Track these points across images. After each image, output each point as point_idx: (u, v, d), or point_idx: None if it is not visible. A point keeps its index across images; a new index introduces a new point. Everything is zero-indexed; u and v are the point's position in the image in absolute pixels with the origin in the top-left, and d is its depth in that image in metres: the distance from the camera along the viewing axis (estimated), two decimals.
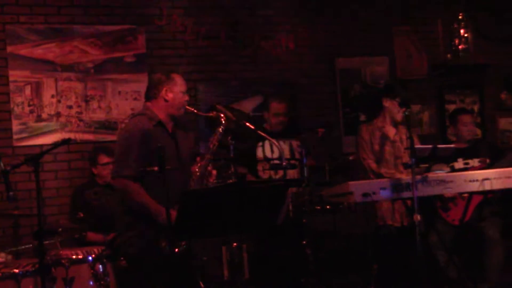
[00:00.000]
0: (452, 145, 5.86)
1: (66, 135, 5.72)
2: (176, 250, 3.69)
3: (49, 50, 5.84)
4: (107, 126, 5.98)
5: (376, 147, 5.12)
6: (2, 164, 3.87)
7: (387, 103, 5.17)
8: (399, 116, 5.12)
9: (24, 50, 5.76)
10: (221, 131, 4.11)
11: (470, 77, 7.35)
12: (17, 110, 5.72)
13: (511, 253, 5.59)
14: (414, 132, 5.09)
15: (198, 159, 4.17)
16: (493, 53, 7.32)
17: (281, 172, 5.38)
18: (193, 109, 4.31)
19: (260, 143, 5.48)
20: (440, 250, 5.48)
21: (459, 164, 5.65)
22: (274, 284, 4.95)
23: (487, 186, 4.31)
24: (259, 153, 5.50)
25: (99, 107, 5.99)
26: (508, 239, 5.58)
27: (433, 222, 5.58)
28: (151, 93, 4.14)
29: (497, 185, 4.32)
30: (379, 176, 4.97)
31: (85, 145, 5.81)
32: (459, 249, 5.42)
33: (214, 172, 4.20)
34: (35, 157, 3.93)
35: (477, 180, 4.30)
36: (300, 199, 5.06)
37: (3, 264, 4.13)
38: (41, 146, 5.60)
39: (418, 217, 4.11)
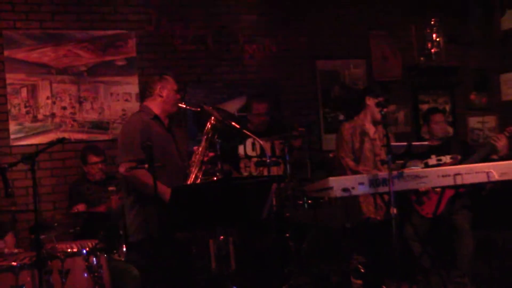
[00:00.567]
0: (425, 143, 5.89)
1: (60, 135, 5.71)
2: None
3: (44, 54, 5.83)
4: (100, 126, 5.98)
5: (357, 144, 5.12)
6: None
7: (369, 101, 5.17)
8: (379, 116, 5.13)
9: (20, 54, 5.74)
10: (212, 124, 4.22)
11: (442, 78, 7.40)
12: (14, 111, 5.71)
13: (480, 243, 5.62)
14: (390, 131, 5.11)
15: (195, 148, 4.31)
16: (463, 56, 7.37)
17: (261, 169, 5.37)
18: (185, 105, 4.44)
19: (242, 142, 5.47)
20: (415, 241, 5.50)
21: (433, 160, 5.67)
22: (259, 274, 4.94)
23: (459, 181, 4.32)
24: (241, 151, 5.49)
25: (92, 108, 5.98)
26: (477, 230, 5.62)
27: (408, 215, 5.61)
28: (146, 93, 4.38)
29: (467, 179, 4.33)
30: (357, 173, 4.98)
31: (79, 144, 5.78)
32: (433, 240, 5.44)
33: (212, 154, 4.28)
34: (31, 156, 3.94)
35: (449, 175, 4.31)
36: (283, 194, 5.06)
37: (1, 257, 4.10)
38: (37, 145, 5.59)
39: (394, 210, 4.12)
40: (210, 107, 4.40)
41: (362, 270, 5.13)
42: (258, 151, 5.40)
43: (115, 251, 4.57)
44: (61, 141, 4.22)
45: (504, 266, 5.49)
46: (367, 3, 7.00)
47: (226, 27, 6.46)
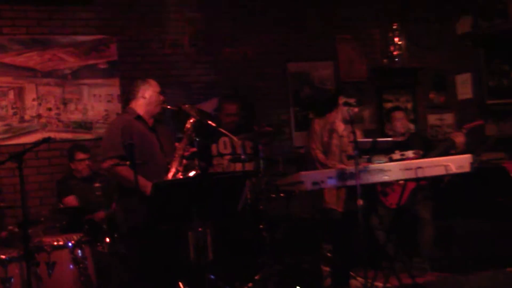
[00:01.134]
0: (389, 139, 5.92)
1: (46, 134, 5.59)
2: None
3: (30, 59, 5.77)
4: (84, 126, 5.93)
5: (325, 139, 5.15)
6: None
7: (342, 101, 5.19)
8: (350, 114, 5.15)
9: (7, 59, 5.69)
10: (192, 122, 4.24)
11: (404, 79, 7.46)
12: (1, 112, 5.66)
13: (440, 231, 5.68)
14: (357, 128, 5.16)
15: (176, 144, 4.34)
16: (423, 58, 7.43)
17: (232, 166, 5.36)
18: (168, 106, 4.45)
19: (215, 140, 5.45)
20: (380, 231, 5.54)
21: (396, 155, 5.68)
22: (235, 263, 4.93)
23: (420, 173, 4.36)
24: (214, 149, 5.47)
25: (76, 109, 5.94)
26: (437, 219, 5.67)
27: (374, 206, 5.64)
28: (131, 95, 4.41)
29: (428, 172, 4.37)
30: (325, 166, 5.00)
31: (64, 143, 5.74)
32: (397, 229, 5.48)
33: (193, 149, 4.30)
34: (19, 155, 3.94)
35: (411, 169, 4.35)
36: (257, 188, 5.06)
37: None
38: (24, 144, 5.50)
39: (361, 201, 4.15)
40: (188, 107, 4.41)
41: (331, 258, 5.16)
42: (230, 149, 5.39)
43: (99, 244, 4.54)
44: (47, 140, 4.20)
45: (461, 252, 5.56)
46: (334, 10, 7.03)
47: (202, 32, 6.44)
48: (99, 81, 6.02)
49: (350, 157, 4.72)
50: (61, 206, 5.06)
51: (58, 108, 5.86)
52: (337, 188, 4.93)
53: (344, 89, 5.43)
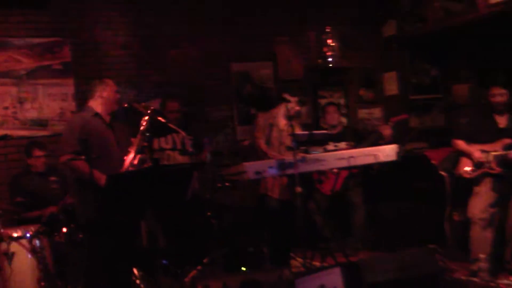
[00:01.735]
0: (324, 132, 6.01)
1: (3, 132, 5.52)
2: None
3: None
4: (39, 123, 5.78)
5: (267, 131, 5.19)
6: None
7: (287, 97, 5.23)
8: (292, 111, 5.19)
9: None
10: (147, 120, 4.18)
11: (336, 77, 7.53)
12: None
13: (370, 214, 5.79)
14: (297, 123, 5.22)
15: (132, 139, 4.28)
16: (354, 58, 7.52)
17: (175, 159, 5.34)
18: (126, 104, 4.43)
19: (157, 136, 5.39)
20: (317, 215, 5.61)
21: (330, 146, 5.77)
22: (185, 248, 4.92)
23: (352, 162, 4.43)
24: (156, 144, 5.41)
25: (32, 107, 5.78)
26: (368, 204, 5.78)
27: (311, 193, 5.70)
28: (89, 95, 4.39)
29: (359, 161, 4.45)
30: (266, 155, 5.04)
31: (21, 140, 5.58)
32: (332, 213, 5.56)
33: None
34: None
35: (344, 158, 4.42)
36: (204, 179, 5.05)
37: None
38: None
39: (299, 189, 4.20)
40: (140, 105, 4.39)
41: (273, 241, 5.19)
42: (171, 144, 5.35)
43: (56, 234, 4.45)
44: (4, 137, 4.11)
45: (389, 232, 5.68)
46: (273, 14, 7.05)
47: (151, 35, 6.37)
48: (54, 81, 5.88)
49: (289, 148, 4.77)
50: (19, 199, 4.94)
51: (14, 107, 5.69)
52: (274, 178, 4.96)
53: (289, 88, 5.47)
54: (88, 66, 6.02)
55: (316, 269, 4.06)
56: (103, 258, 4.05)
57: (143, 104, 4.42)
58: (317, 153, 4.65)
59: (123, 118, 4.68)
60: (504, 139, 4.78)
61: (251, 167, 4.19)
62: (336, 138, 5.84)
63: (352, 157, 4.41)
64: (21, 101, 5.72)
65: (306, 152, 4.74)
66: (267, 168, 4.20)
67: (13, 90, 5.70)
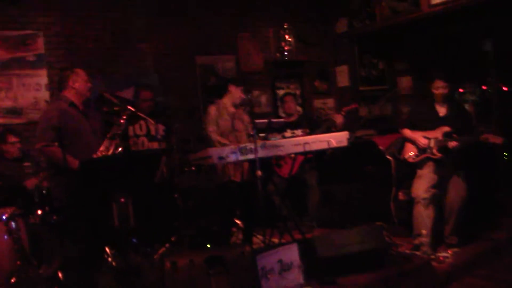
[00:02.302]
0: (282, 120, 6.03)
1: None
2: None
3: None
4: (14, 111, 5.63)
5: (221, 122, 5.14)
6: None
7: (232, 88, 5.20)
8: (238, 100, 5.17)
9: None
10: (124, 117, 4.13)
11: (293, 70, 7.56)
12: None
13: (324, 195, 5.84)
14: (244, 110, 5.21)
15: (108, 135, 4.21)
16: (309, 53, 7.57)
17: (148, 145, 5.27)
18: (109, 96, 4.37)
19: (132, 123, 5.30)
20: (276, 196, 5.63)
21: (288, 133, 5.81)
22: (154, 228, 4.87)
23: (307, 148, 4.43)
24: (130, 131, 5.33)
25: (7, 96, 5.62)
26: (322, 185, 5.83)
27: (270, 176, 5.71)
28: (62, 85, 4.28)
29: (314, 147, 4.45)
30: (223, 145, 5.00)
31: None
32: (289, 194, 5.58)
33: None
34: None
35: (300, 144, 4.41)
36: (171, 163, 4.99)
37: None
38: None
39: (259, 172, 4.19)
40: (110, 95, 4.33)
41: (236, 221, 5.19)
42: (145, 131, 5.28)
43: (31, 216, 4.34)
44: None
45: (341, 211, 5.74)
46: (236, 11, 7.01)
47: (121, 28, 6.24)
48: (28, 71, 5.72)
49: (249, 136, 4.76)
50: None
51: None
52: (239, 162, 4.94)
53: (234, 79, 5.43)
54: (61, 58, 5.87)
55: (275, 245, 4.07)
56: (77, 238, 3.98)
57: (111, 94, 4.35)
58: (275, 140, 4.64)
59: (96, 107, 4.60)
60: (444, 127, 4.87)
61: (215, 153, 4.15)
62: (293, 126, 5.87)
63: (307, 143, 4.41)
64: None
65: (266, 138, 4.74)
66: (230, 153, 4.18)
67: None
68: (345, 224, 4.80)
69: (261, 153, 4.22)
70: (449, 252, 4.68)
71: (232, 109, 5.23)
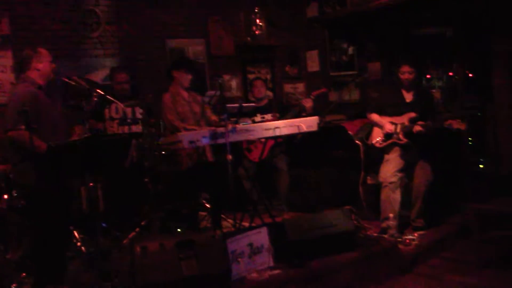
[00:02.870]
0: (252, 104, 6.03)
1: None
2: None
3: None
4: None
5: (179, 108, 5.06)
6: None
7: (176, 74, 5.12)
8: (186, 83, 5.12)
9: None
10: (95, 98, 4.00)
11: (264, 54, 7.55)
12: None
13: (294, 179, 5.89)
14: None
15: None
16: (280, 37, 7.56)
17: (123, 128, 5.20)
18: (66, 79, 4.24)
19: (107, 106, 5.24)
20: (246, 180, 5.66)
21: (258, 118, 5.81)
22: (124, 212, 4.84)
23: (277, 132, 4.46)
24: (106, 113, 5.26)
25: None
26: (292, 169, 5.87)
27: (241, 160, 5.73)
28: (25, 66, 4.02)
29: (284, 131, 4.48)
30: (186, 130, 4.95)
31: None
32: (259, 178, 5.61)
33: None
34: None
35: (270, 129, 4.44)
36: (142, 147, 4.95)
37: None
38: None
39: (229, 156, 4.20)
40: (78, 78, 4.24)
41: (207, 205, 5.20)
42: (121, 114, 5.22)
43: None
44: None
45: (311, 195, 5.80)
46: None
47: (89, 10, 6.12)
48: None
49: (221, 120, 4.75)
50: None
51: None
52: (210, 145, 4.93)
53: (175, 64, 5.33)
54: (27, 40, 5.72)
55: (245, 229, 4.10)
56: (45, 223, 3.92)
57: (80, 77, 4.25)
58: (246, 124, 4.65)
59: (63, 91, 4.52)
60: (410, 112, 4.95)
61: (185, 137, 4.14)
62: (263, 110, 5.88)
63: (277, 127, 4.44)
64: None
65: (236, 123, 4.74)
66: (201, 137, 4.17)
67: None
68: (315, 208, 4.87)
69: (232, 138, 4.23)
70: (415, 235, 4.79)
71: (185, 94, 5.16)
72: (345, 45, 7.75)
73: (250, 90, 6.32)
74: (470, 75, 7.01)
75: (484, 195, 5.20)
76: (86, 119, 4.21)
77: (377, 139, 5.09)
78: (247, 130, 4.36)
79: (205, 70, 6.94)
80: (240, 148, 5.77)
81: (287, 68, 7.73)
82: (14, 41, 5.66)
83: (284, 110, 5.85)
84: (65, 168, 3.53)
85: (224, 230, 4.50)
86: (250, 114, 5.77)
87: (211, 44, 7.00)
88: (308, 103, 5.61)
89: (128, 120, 4.72)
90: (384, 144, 5.03)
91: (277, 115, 5.68)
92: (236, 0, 7.25)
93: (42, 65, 4.01)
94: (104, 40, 6.21)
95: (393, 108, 5.08)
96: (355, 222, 4.49)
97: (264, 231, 3.88)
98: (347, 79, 7.54)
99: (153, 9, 6.54)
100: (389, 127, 4.98)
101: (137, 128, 5.07)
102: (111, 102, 5.00)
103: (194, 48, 6.89)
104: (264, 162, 5.63)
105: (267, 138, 4.93)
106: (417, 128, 4.81)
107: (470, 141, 6.53)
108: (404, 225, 4.92)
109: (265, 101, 6.06)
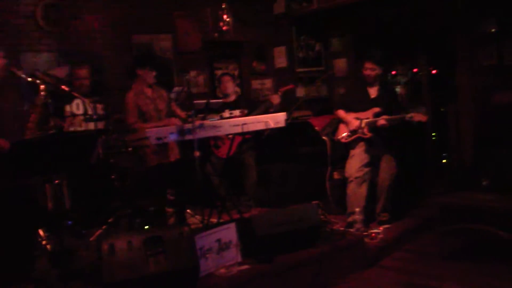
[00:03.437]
0: (220, 100, 6.04)
1: None
2: None
3: None
4: None
5: (143, 108, 4.97)
6: None
7: (140, 72, 5.03)
8: (150, 80, 5.05)
9: None
10: (43, 93, 3.89)
11: (231, 50, 7.55)
12: None
13: (261, 174, 5.92)
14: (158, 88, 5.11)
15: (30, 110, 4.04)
16: (247, 33, 7.57)
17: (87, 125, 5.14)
18: (16, 70, 4.03)
19: (68, 102, 5.16)
20: (214, 176, 5.67)
21: (226, 114, 5.81)
22: (89, 209, 4.81)
23: (245, 128, 4.48)
24: (68, 110, 5.18)
25: None
26: (260, 165, 5.91)
27: (208, 156, 5.74)
28: None
29: (252, 127, 4.51)
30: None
31: None
32: (227, 174, 5.63)
33: None
34: None
35: (238, 125, 4.45)
36: (108, 144, 4.92)
37: None
38: None
39: (197, 153, 4.21)
40: (41, 74, 4.15)
41: (173, 200, 5.19)
42: (82, 110, 5.16)
43: None
44: None
45: (278, 190, 5.84)
46: None
47: (53, 5, 6.01)
48: None
49: (188, 116, 4.74)
50: None
51: None
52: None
53: (138, 61, 5.26)
54: None
55: (213, 225, 4.12)
56: (8, 222, 3.85)
57: (42, 73, 4.17)
58: (214, 120, 4.66)
59: (26, 88, 4.40)
60: (375, 108, 5.05)
61: (152, 134, 4.13)
62: (231, 106, 5.89)
63: (245, 123, 4.46)
64: None
65: (204, 119, 4.75)
66: (168, 134, 4.17)
67: None
68: (282, 203, 4.91)
69: (200, 134, 4.23)
70: (381, 228, 4.89)
71: (149, 91, 5.07)
72: (312, 42, 7.83)
73: (218, 86, 6.33)
74: (434, 71, 7.18)
75: (447, 189, 5.34)
76: (50, 116, 4.14)
77: (343, 134, 5.18)
78: (214, 127, 4.36)
79: (172, 66, 6.89)
80: (208, 145, 5.78)
81: (254, 64, 7.75)
82: None
83: (252, 106, 5.88)
84: (29, 166, 3.47)
85: (192, 227, 4.50)
86: (218, 110, 5.78)
87: (178, 40, 6.97)
88: (276, 100, 5.65)
89: (94, 117, 4.67)
90: (350, 139, 5.12)
91: (245, 111, 5.70)
92: None
93: None
94: (68, 35, 6.11)
95: (358, 104, 5.17)
96: (322, 217, 4.56)
97: (232, 227, 3.91)
98: (314, 75, 7.62)
99: (119, 4, 6.47)
100: (354, 124, 5.07)
101: (101, 125, 5.03)
102: (73, 98, 4.94)
103: (161, 44, 6.84)
104: (232, 158, 5.65)
105: (235, 134, 4.94)
106: (381, 122, 4.92)
107: (433, 136, 6.70)
108: (370, 219, 5.02)
109: (233, 97, 6.08)
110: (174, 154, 5.08)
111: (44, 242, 4.18)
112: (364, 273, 4.32)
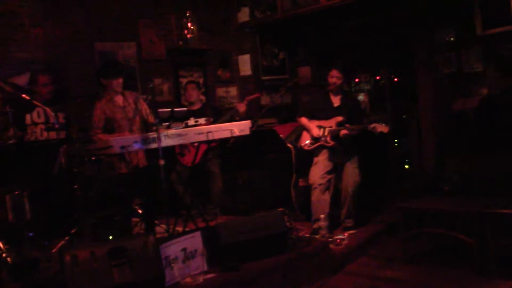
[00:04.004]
0: (185, 108, 6.03)
1: None
2: None
3: None
4: None
5: (114, 116, 4.93)
6: None
7: (105, 81, 5.00)
8: (118, 88, 5.01)
9: None
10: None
11: (196, 58, 7.53)
12: None
13: (227, 182, 5.93)
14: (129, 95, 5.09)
15: None
16: (212, 41, 7.57)
17: (45, 134, 5.04)
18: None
19: (29, 111, 5.06)
20: (179, 185, 5.64)
21: (191, 122, 5.75)
22: (52, 220, 4.70)
23: (211, 136, 4.49)
24: (28, 119, 5.07)
25: None
26: (225, 173, 5.91)
27: (173, 165, 5.71)
28: None
29: (217, 135, 4.52)
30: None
31: None
32: (192, 183, 5.61)
33: None
34: None
35: (203, 133, 4.46)
36: (71, 153, 4.83)
37: None
38: None
39: (162, 161, 4.18)
40: (1, 82, 4.06)
41: (139, 210, 5.14)
42: (43, 118, 5.05)
43: None
44: None
45: (244, 198, 5.86)
46: None
47: (13, 11, 5.89)
48: None
49: (152, 125, 4.70)
50: None
51: None
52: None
53: (101, 72, 5.22)
54: None
55: (179, 234, 4.09)
56: None
57: (2, 81, 4.07)
58: (178, 128, 4.64)
59: None
60: (338, 117, 5.12)
61: (116, 142, 4.08)
62: (196, 114, 5.87)
63: (210, 131, 4.47)
64: None
65: (169, 127, 4.72)
66: (133, 142, 4.13)
67: None
68: (248, 211, 4.92)
69: (164, 142, 4.21)
70: (345, 234, 4.95)
71: (119, 99, 5.05)
72: (276, 50, 7.88)
73: (183, 94, 6.31)
74: (396, 79, 7.32)
75: (409, 194, 5.44)
76: (10, 125, 4.05)
77: (306, 142, 5.23)
78: (179, 135, 4.35)
79: (136, 74, 6.83)
80: (173, 153, 5.75)
81: (219, 72, 7.76)
82: None
83: (217, 114, 5.88)
84: None
85: (158, 236, 4.46)
86: (183, 118, 5.74)
87: (142, 48, 6.92)
88: (242, 108, 5.67)
89: (56, 126, 4.58)
90: (313, 147, 5.18)
91: (211, 119, 5.70)
92: (167, 3, 7.20)
93: None
94: (28, 43, 5.99)
95: (322, 112, 5.23)
96: (287, 224, 4.58)
97: (197, 235, 3.89)
98: (279, 83, 7.67)
99: (81, 11, 6.38)
100: (316, 132, 5.13)
101: (63, 134, 4.94)
102: (33, 106, 4.85)
103: (125, 51, 6.78)
104: (197, 166, 5.63)
105: (200, 143, 4.93)
106: (344, 131, 4.99)
107: (396, 142, 6.82)
108: (335, 225, 5.07)
109: (198, 105, 6.07)
110: (143, 162, 5.04)
111: (4, 255, 4.08)
112: (330, 279, 4.35)
